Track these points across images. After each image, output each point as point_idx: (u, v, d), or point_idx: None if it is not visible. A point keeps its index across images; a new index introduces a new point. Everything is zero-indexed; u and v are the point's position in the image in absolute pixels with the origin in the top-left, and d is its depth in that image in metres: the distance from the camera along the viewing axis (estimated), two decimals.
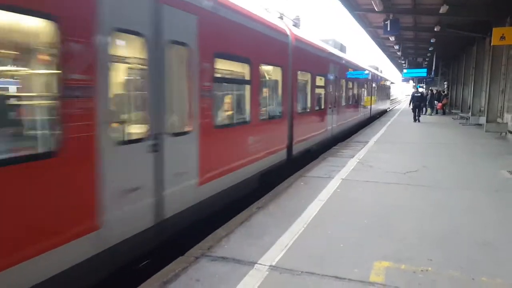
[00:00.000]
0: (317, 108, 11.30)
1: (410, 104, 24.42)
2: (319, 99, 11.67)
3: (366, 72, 19.64)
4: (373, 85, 24.22)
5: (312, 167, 8.86)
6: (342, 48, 16.24)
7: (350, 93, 16.60)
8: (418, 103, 22.02)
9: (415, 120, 21.77)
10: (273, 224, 5.09)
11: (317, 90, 11.24)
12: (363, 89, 19.91)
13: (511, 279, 3.62)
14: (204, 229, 4.98)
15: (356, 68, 17.25)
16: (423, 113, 27.04)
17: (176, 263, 3.99)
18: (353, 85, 16.92)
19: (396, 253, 4.18)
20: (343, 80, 14.68)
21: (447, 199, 6.31)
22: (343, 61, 14.81)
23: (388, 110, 36.26)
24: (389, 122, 21.83)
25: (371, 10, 15.72)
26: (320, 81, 11.52)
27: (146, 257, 4.24)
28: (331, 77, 12.71)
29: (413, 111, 22.19)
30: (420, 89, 31.71)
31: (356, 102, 17.90)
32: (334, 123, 13.30)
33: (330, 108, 12.66)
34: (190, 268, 3.86)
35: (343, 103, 14.98)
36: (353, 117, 17.26)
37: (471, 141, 13.67)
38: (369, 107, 22.48)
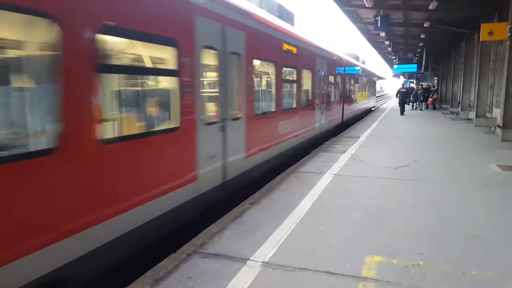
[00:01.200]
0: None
1: (396, 96, 27.31)
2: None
3: (335, 58, 14.89)
4: (349, 79, 18.58)
5: (304, 163, 8.87)
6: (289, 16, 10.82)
7: (298, 91, 10.23)
8: (404, 98, 24.55)
9: (401, 113, 23.58)
10: (266, 220, 5.08)
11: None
12: (329, 84, 13.93)
13: (500, 271, 3.67)
14: (195, 226, 4.96)
15: (318, 54, 12.15)
16: (413, 108, 27.71)
17: (168, 260, 3.96)
18: (311, 79, 11.36)
19: (388, 248, 4.20)
20: (286, 70, 9.40)
21: (438, 193, 6.37)
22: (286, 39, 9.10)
23: (373, 109, 30.81)
24: (380, 117, 21.97)
25: (362, 6, 15.74)
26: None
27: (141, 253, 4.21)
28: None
29: (399, 105, 24.40)
30: (412, 85, 32.30)
31: (307, 105, 11.18)
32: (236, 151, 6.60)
33: (238, 118, 6.56)
34: (182, 265, 3.83)
35: (279, 107, 8.67)
36: (295, 131, 9.94)
37: (461, 135, 13.83)
38: (340, 109, 16.41)
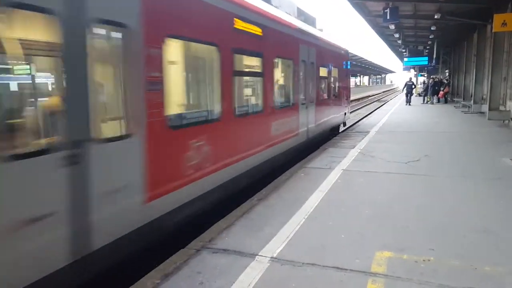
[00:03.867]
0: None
1: (403, 90, 30.14)
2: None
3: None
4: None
5: (312, 158, 8.83)
6: None
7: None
8: (410, 90, 27.56)
9: (407, 103, 26.63)
10: (274, 215, 5.08)
11: None
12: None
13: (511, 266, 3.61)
14: (203, 222, 4.98)
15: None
16: (424, 102, 27.48)
17: (177, 255, 3.99)
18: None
19: (398, 243, 4.16)
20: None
21: (449, 188, 6.28)
22: None
23: (343, 124, 15.41)
24: (390, 111, 21.73)
25: None
26: None
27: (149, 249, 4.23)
28: None
29: (406, 96, 27.69)
30: (422, 78, 32.74)
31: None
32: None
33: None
34: (191, 261, 3.86)
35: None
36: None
37: (473, 129, 13.59)
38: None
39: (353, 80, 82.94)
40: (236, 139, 6.07)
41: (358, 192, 6.11)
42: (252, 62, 7.18)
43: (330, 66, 12.01)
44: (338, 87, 13.28)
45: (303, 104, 9.40)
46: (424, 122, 16.48)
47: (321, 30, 12.22)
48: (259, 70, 7.09)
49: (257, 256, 3.91)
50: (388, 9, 15.17)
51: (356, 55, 46.16)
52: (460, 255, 3.86)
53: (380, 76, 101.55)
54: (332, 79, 12.43)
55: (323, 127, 11.43)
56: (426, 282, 3.37)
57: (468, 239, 4.28)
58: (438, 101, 28.12)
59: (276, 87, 7.90)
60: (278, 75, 8.37)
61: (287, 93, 8.85)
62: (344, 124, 15.40)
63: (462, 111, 20.69)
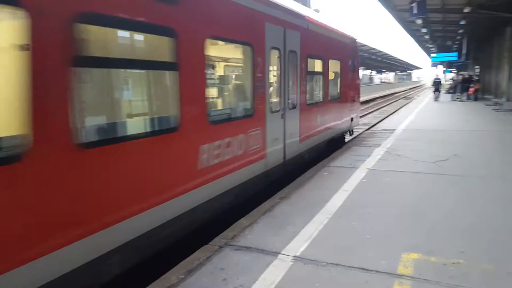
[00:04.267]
0: None
1: (432, 86, 31.95)
2: None
3: None
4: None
5: (336, 157, 8.70)
6: None
7: None
8: (437, 86, 29.13)
9: (435, 100, 27.68)
10: (297, 214, 5.04)
11: None
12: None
13: None
14: (224, 219, 4.99)
15: None
16: (453, 99, 26.73)
17: (200, 251, 4.02)
18: None
19: (426, 245, 4.03)
20: None
21: (480, 189, 6.04)
22: None
23: (349, 132, 11.91)
24: (418, 109, 21.14)
25: None
26: None
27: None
28: None
29: (434, 93, 29.37)
30: (451, 75, 32.78)
31: None
32: None
33: None
34: (214, 257, 3.88)
35: None
36: None
37: (505, 128, 13.02)
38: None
39: (378, 77, 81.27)
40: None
41: (384, 192, 5.96)
42: (142, 45, 4.41)
43: (326, 57, 8.88)
44: (341, 85, 10.18)
45: (274, 111, 6.38)
46: (453, 120, 15.91)
47: (317, 11, 9.68)
48: (169, 60, 4.08)
49: (279, 255, 3.89)
50: (415, 3, 14.70)
51: (381, 51, 45.22)
52: (493, 259, 3.69)
53: (405, 73, 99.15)
54: (331, 75, 9.52)
55: (316, 141, 8.44)
56: (456, 286, 3.24)
57: (502, 242, 4.09)
58: (468, 98, 27.11)
59: (209, 88, 4.78)
60: (213, 69, 6.11)
61: (236, 96, 6.30)
62: (351, 132, 11.88)
63: (493, 109, 19.86)
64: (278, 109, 6.55)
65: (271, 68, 6.37)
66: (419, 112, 19.38)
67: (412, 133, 12.07)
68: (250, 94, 5.83)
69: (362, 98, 31.87)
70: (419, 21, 21.82)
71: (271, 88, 6.50)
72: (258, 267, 3.65)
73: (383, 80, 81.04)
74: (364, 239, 4.24)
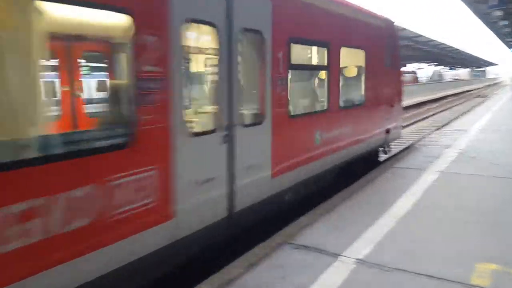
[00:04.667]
0: None
1: None
2: None
3: None
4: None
5: (402, 158, 8.25)
6: None
7: None
8: None
9: None
10: (358, 216, 4.87)
11: None
12: None
13: None
14: (280, 217, 4.97)
15: None
16: None
17: (259, 248, 4.06)
18: None
19: (505, 255, 3.67)
20: None
21: None
22: None
23: (383, 150, 8.70)
24: (495, 107, 19.27)
25: None
26: None
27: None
28: None
29: None
30: None
31: None
32: None
33: None
34: (273, 254, 3.89)
35: None
36: None
37: None
38: None
39: (450, 73, 75.68)
40: None
41: (457, 197, 5.53)
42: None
43: (335, 44, 6.11)
44: (367, 85, 7.30)
45: (198, 134, 3.76)
46: None
47: None
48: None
49: (339, 256, 3.78)
50: None
51: (451, 46, 41.74)
52: None
53: (479, 69, 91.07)
54: (347, 70, 7.17)
55: (314, 170, 5.72)
56: None
57: None
58: None
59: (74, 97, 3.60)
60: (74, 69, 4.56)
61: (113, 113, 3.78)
62: (385, 150, 8.66)
63: None
64: (211, 128, 3.87)
65: (189, 57, 4.50)
66: (497, 111, 17.66)
67: (488, 134, 11.03)
68: (121, 105, 3.35)
69: (427, 97, 29.20)
70: (498, 13, 19.89)
71: (189, 91, 4.44)
72: (318, 267, 3.58)
73: (456, 78, 75.21)
74: (433, 246, 3.97)
